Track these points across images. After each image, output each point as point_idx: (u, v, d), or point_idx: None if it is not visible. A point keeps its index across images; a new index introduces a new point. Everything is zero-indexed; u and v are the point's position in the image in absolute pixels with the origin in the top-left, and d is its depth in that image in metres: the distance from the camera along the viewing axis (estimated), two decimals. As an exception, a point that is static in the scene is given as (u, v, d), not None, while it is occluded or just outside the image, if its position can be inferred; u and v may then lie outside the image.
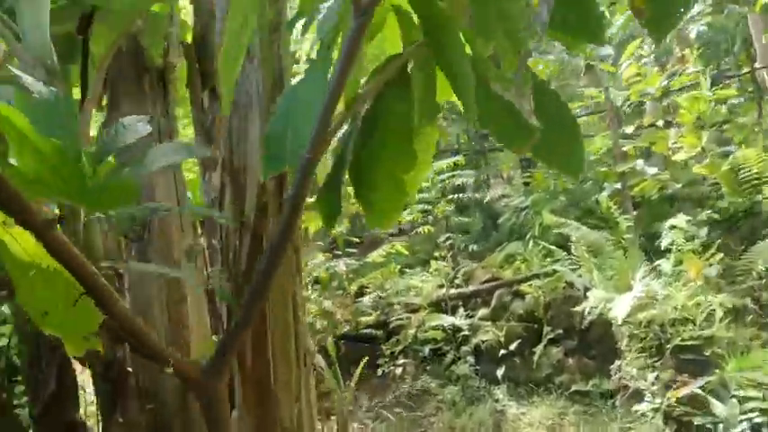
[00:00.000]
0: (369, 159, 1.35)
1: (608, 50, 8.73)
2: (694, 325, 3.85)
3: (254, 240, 2.76)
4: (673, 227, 4.56)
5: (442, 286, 6.68)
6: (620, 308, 3.97)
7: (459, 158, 6.51)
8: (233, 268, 2.78)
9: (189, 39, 2.67)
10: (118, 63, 2.49)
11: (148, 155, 1.94)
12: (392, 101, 1.36)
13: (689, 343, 3.78)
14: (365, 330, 6.86)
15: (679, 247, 4.40)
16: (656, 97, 6.26)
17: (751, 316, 4.11)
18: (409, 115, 1.31)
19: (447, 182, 6.52)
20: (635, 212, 6.05)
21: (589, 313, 4.48)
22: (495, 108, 1.24)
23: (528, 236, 6.22)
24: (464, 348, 5.88)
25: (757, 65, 6.87)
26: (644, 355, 4.01)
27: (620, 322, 3.97)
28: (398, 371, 6.18)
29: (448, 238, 6.46)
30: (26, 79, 1.81)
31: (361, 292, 7.42)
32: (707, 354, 3.71)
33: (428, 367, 6.12)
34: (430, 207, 6.48)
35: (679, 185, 5.51)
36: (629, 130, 6.41)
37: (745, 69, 7.08)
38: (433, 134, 1.49)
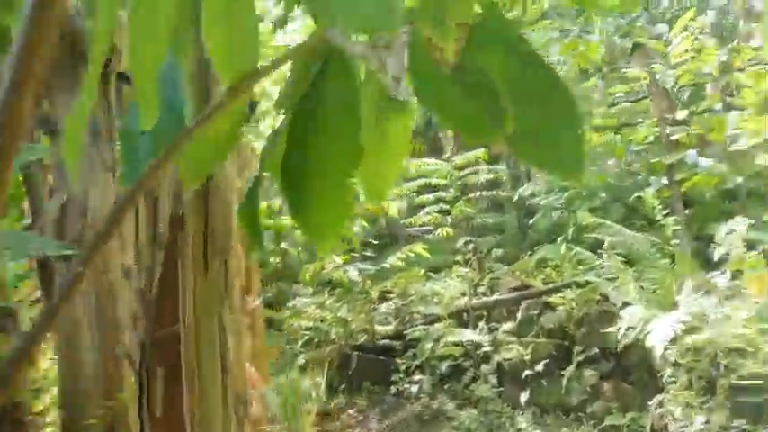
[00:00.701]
0: (300, 158, 1.04)
1: (661, 28, 7.77)
2: (756, 357, 3.06)
3: (168, 258, 2.30)
4: (730, 231, 3.73)
5: (465, 294, 6.03)
6: (659, 333, 3.22)
7: (481, 152, 5.80)
8: (146, 289, 2.35)
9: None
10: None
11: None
12: (331, 80, 1.01)
13: (748, 381, 3.00)
14: (383, 341, 6.31)
15: (738, 257, 3.58)
16: (714, 77, 5.36)
17: (833, 344, 3.26)
18: (355, 100, 0.97)
19: (467, 179, 5.84)
20: (687, 212, 5.18)
21: (624, 335, 3.73)
22: (445, 88, 0.88)
23: (561, 239, 5.46)
24: (485, 367, 5.21)
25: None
26: (691, 390, 3.24)
27: (658, 352, 3.22)
28: (414, 388, 5.59)
29: (469, 242, 5.77)
30: None
31: (384, 298, 6.89)
32: (772, 396, 2.92)
33: (446, 385, 5.50)
34: (449, 207, 5.82)
35: (740, 179, 4.62)
36: (683, 115, 5.52)
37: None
38: (403, 124, 1.03)
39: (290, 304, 6.69)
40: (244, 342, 2.59)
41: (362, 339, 6.40)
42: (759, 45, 5.37)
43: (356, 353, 6.13)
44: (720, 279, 3.55)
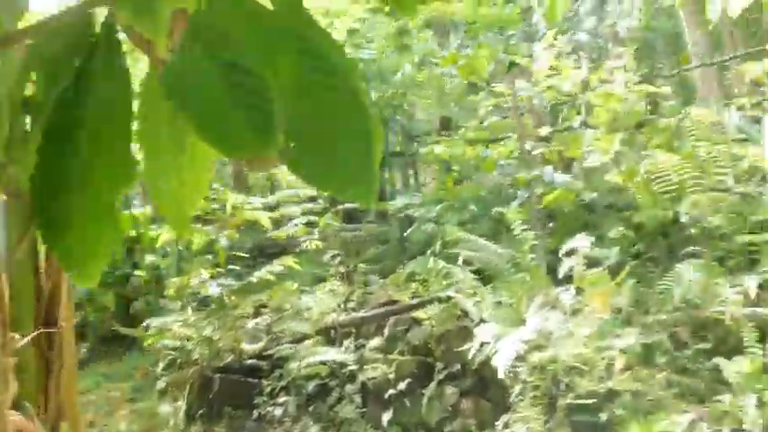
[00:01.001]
0: (57, 169, 0.82)
1: (537, 46, 8.00)
2: (592, 375, 3.06)
3: None
4: (574, 248, 3.78)
5: (336, 310, 5.81)
6: (503, 352, 3.15)
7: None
8: None
9: None
10: None
11: None
12: (99, 74, 0.78)
13: (584, 400, 2.99)
14: (250, 361, 5.94)
15: (579, 274, 3.62)
16: (576, 95, 5.54)
17: (666, 357, 3.34)
18: (128, 102, 0.78)
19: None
20: (552, 225, 5.28)
21: (478, 352, 3.65)
22: (202, 88, 0.72)
23: (429, 252, 5.39)
24: (349, 387, 5.00)
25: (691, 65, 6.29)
26: (537, 409, 3.20)
27: (501, 371, 3.15)
28: (278, 411, 5.27)
29: (336, 255, 5.56)
30: None
31: (259, 313, 6.52)
32: (604, 414, 2.91)
33: (312, 407, 5.22)
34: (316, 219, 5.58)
35: (595, 195, 4.76)
36: (546, 131, 5.65)
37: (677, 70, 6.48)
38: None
39: (147, 322, 6.13)
40: (9, 385, 2.17)
41: (229, 359, 5.99)
42: (616, 65, 5.62)
43: (219, 375, 5.72)
44: (565, 295, 3.58)
